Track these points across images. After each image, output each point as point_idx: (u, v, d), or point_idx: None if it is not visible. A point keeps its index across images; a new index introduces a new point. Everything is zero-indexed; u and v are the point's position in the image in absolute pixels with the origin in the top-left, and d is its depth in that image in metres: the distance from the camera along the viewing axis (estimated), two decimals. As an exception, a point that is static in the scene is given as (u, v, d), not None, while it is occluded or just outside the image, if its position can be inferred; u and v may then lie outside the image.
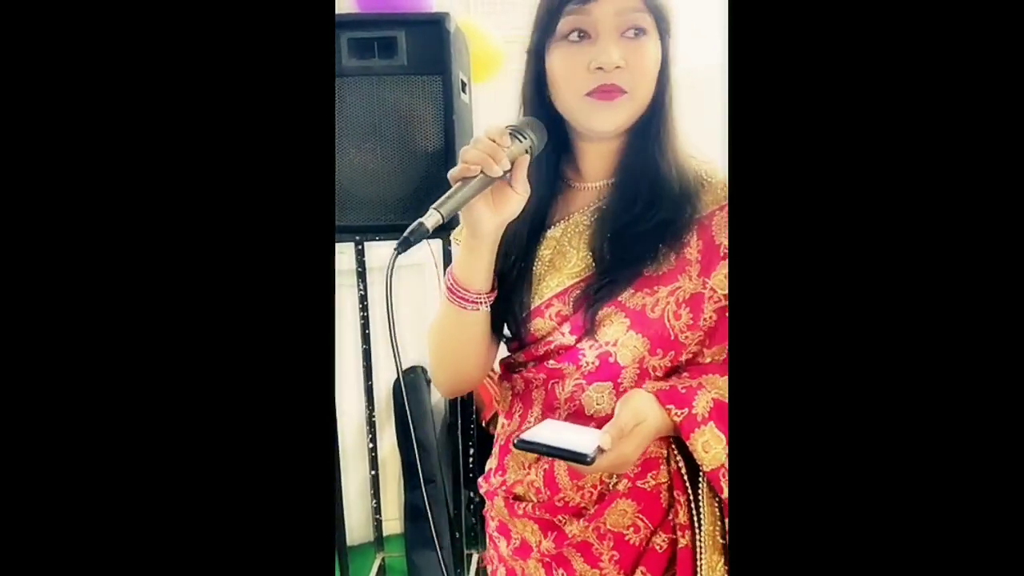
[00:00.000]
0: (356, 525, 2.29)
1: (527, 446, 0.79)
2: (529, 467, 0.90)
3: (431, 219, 0.75)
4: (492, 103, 1.91)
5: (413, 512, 2.27)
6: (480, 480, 0.98)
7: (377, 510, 2.19)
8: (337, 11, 1.67)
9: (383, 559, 2.21)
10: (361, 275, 1.99)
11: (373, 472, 2.15)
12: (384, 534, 2.24)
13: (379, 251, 2.03)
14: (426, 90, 1.49)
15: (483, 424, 2.26)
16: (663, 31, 0.84)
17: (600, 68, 0.81)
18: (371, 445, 2.16)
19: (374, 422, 2.15)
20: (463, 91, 1.60)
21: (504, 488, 0.92)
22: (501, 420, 0.97)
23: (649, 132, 0.86)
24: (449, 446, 2.28)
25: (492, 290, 0.88)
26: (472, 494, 2.04)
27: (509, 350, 0.94)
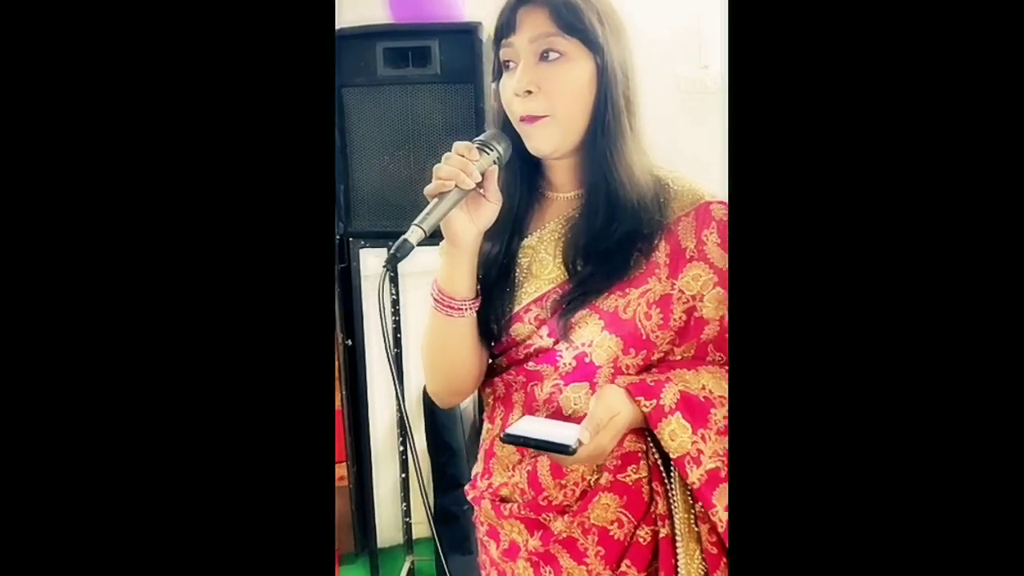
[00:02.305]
0: (386, 527, 2.31)
1: (513, 439, 0.83)
2: (513, 468, 0.94)
3: (414, 235, 0.80)
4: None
5: (443, 516, 2.28)
6: (467, 487, 1.01)
7: (407, 513, 2.21)
8: (373, 21, 1.71)
9: (413, 562, 2.23)
10: (393, 280, 2.02)
11: (403, 475, 2.17)
12: (413, 537, 2.26)
13: (411, 256, 2.05)
14: (459, 98, 1.52)
15: (512, 429, 2.26)
16: (594, 49, 0.86)
17: (516, 95, 0.87)
18: (401, 448, 2.17)
19: (404, 425, 2.17)
20: (494, 99, 1.62)
21: (490, 491, 0.95)
22: (485, 425, 1.00)
23: (596, 150, 0.89)
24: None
25: (476, 297, 0.92)
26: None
27: (491, 356, 0.98)
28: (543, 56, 0.87)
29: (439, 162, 1.56)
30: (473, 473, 1.01)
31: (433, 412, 2.45)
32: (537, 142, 0.89)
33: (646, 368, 0.90)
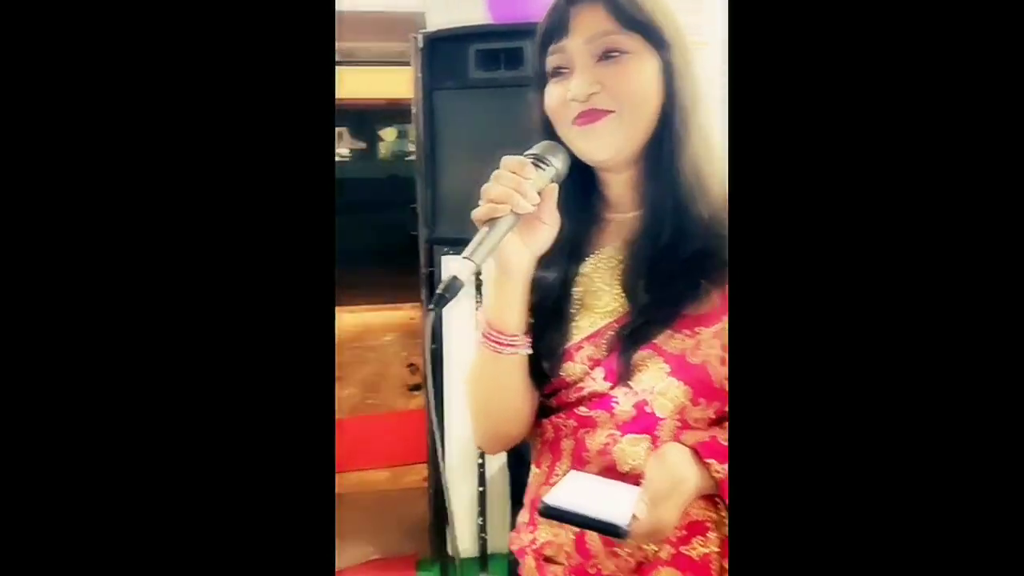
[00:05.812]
0: (463, 537, 2.29)
1: (553, 513, 0.71)
2: (560, 526, 0.82)
3: (465, 270, 0.69)
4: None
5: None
6: (511, 534, 0.90)
7: (483, 528, 2.18)
8: (467, 23, 1.68)
9: (486, 578, 2.19)
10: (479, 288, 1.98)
11: (481, 489, 2.15)
12: (488, 551, 2.22)
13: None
14: (551, 102, 1.46)
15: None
16: (659, 45, 0.78)
17: (575, 100, 0.78)
18: (480, 461, 2.15)
19: (484, 437, 2.13)
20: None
21: (533, 548, 0.85)
22: (532, 470, 0.89)
23: (662, 156, 0.79)
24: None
25: (529, 332, 0.82)
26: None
27: (542, 394, 0.86)
28: (603, 56, 0.78)
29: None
30: (517, 521, 0.90)
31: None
32: (595, 145, 0.79)
33: (717, 422, 0.77)
